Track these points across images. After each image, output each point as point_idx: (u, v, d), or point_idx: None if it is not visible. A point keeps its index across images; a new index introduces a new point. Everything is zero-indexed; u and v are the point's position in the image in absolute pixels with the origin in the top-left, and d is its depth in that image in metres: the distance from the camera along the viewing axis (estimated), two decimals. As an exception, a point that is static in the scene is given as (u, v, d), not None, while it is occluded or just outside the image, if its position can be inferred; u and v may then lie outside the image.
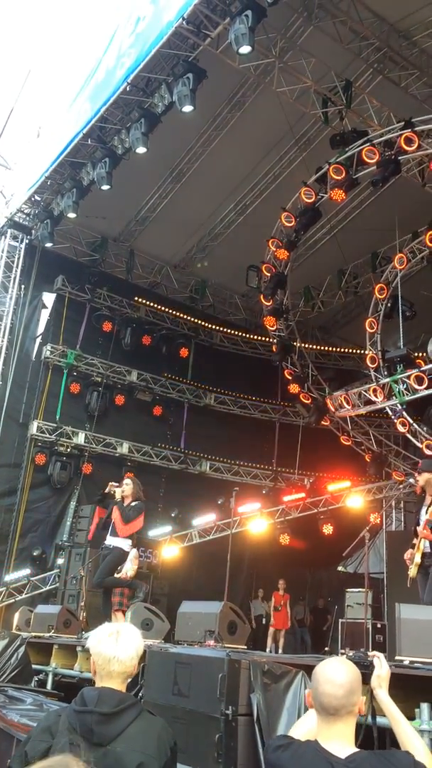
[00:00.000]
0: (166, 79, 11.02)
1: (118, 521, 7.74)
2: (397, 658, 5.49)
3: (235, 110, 13.22)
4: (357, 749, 2.13)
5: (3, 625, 12.00)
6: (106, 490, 8.11)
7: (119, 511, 7.77)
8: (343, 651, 10.57)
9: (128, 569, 7.68)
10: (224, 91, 12.73)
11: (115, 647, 2.47)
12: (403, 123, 10.87)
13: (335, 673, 2.19)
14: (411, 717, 4.30)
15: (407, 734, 2.35)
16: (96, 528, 8.67)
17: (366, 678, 2.44)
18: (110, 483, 8.22)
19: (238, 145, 13.79)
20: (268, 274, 14.02)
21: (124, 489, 7.94)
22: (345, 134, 11.71)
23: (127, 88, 11.41)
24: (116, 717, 2.35)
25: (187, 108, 10.61)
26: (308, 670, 3.96)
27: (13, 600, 13.62)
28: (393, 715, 2.43)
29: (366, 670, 2.44)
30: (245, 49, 9.68)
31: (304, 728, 2.39)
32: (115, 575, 7.63)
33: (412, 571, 6.81)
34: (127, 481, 8.11)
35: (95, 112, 12.21)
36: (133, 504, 7.90)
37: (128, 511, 7.81)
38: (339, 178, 11.65)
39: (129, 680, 2.60)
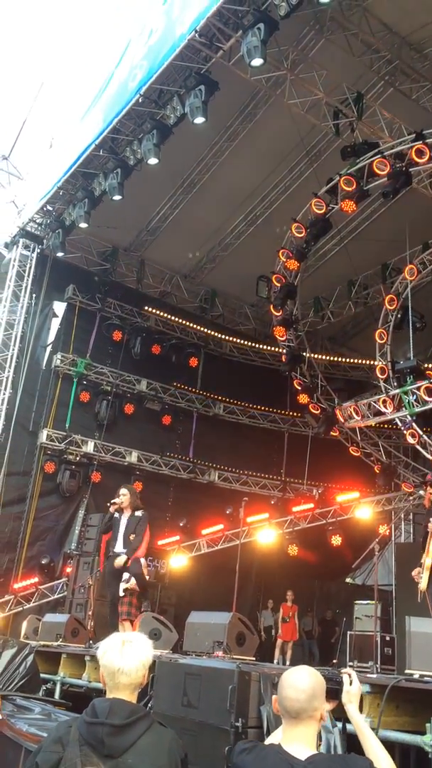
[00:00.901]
0: (178, 90, 11.11)
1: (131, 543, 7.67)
2: (406, 671, 5.45)
3: (246, 122, 13.30)
4: (317, 751, 2.24)
5: (11, 633, 11.98)
6: (111, 512, 7.92)
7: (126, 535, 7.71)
8: (351, 663, 10.51)
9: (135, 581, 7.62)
10: (236, 103, 12.81)
11: (121, 659, 2.46)
12: (414, 135, 10.89)
13: (298, 679, 2.33)
14: (421, 732, 4.26)
15: (374, 748, 2.46)
16: (104, 557, 8.54)
17: (337, 694, 2.54)
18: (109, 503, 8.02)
19: (249, 157, 13.86)
20: (278, 285, 14.05)
21: (122, 500, 7.80)
22: (356, 146, 11.75)
23: (140, 100, 11.51)
24: (127, 729, 2.34)
25: (199, 120, 10.68)
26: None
27: (21, 608, 13.62)
28: (362, 730, 2.52)
29: (337, 686, 2.51)
30: (257, 62, 9.75)
31: (280, 736, 2.48)
32: (123, 584, 7.56)
33: (424, 582, 6.77)
34: (123, 491, 7.88)
35: (108, 123, 12.31)
36: (137, 514, 7.79)
37: (135, 527, 7.66)
38: (350, 189, 11.69)
39: (139, 690, 2.59)
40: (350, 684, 2.58)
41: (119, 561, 7.49)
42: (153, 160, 11.60)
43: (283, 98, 11.62)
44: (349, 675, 2.60)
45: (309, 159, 13.70)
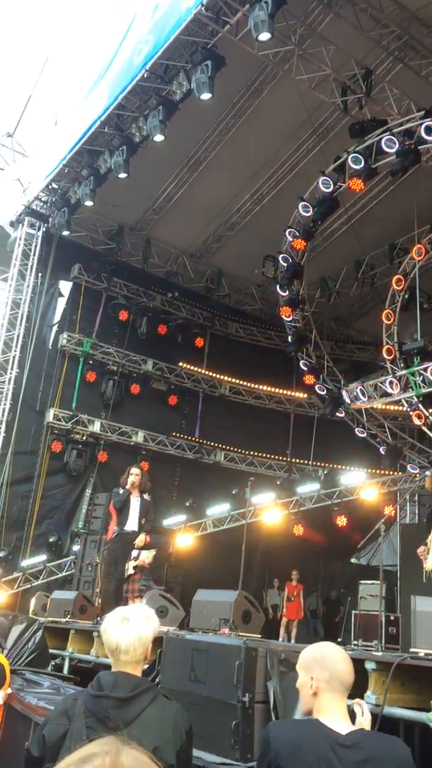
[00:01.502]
0: (184, 66, 10.97)
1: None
2: (411, 650, 5.49)
3: (253, 98, 13.13)
4: (355, 727, 2.22)
5: (19, 609, 12.12)
6: (128, 489, 8.12)
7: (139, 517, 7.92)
8: (355, 642, 10.59)
9: (145, 557, 7.81)
10: (242, 79, 12.64)
11: (119, 635, 2.47)
12: (423, 112, 10.72)
13: (341, 652, 2.35)
14: (425, 709, 4.30)
15: None
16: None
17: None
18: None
19: (255, 134, 13.70)
20: (285, 264, 13.95)
21: (134, 479, 7.99)
22: (364, 123, 11.56)
23: (145, 75, 11.38)
24: (132, 701, 2.36)
25: (206, 95, 10.56)
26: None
27: (30, 585, 13.76)
28: None
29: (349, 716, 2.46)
30: (265, 36, 9.61)
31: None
32: (133, 562, 7.77)
33: (430, 562, 6.80)
34: (136, 470, 8.14)
35: (113, 99, 12.18)
36: (146, 497, 8.07)
37: (147, 512, 7.97)
38: (357, 167, 11.53)
39: (146, 665, 2.61)
40: (362, 715, 2.52)
41: (140, 540, 7.71)
42: (159, 137, 11.48)
43: (290, 74, 11.44)
44: (361, 706, 2.55)
45: (316, 136, 13.52)
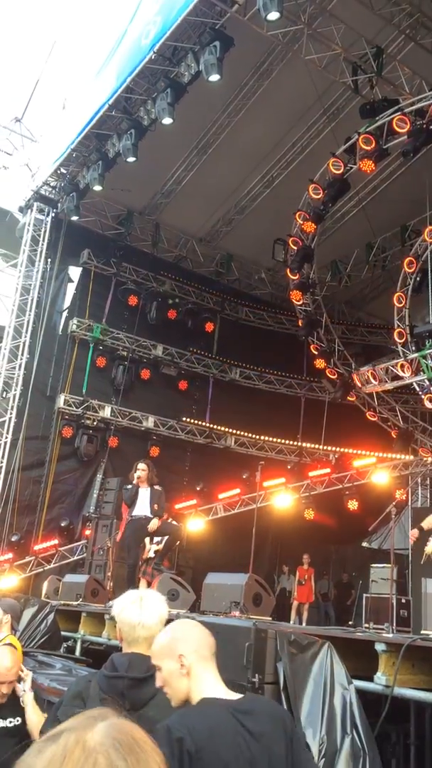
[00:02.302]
0: (192, 47, 10.86)
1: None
2: (422, 632, 5.51)
3: (262, 79, 12.98)
4: (239, 694, 2.14)
5: (32, 593, 12.23)
6: (135, 484, 8.16)
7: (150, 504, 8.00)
8: (367, 625, 10.63)
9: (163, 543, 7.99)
10: (251, 59, 12.50)
11: (140, 613, 2.51)
12: (435, 91, 10.59)
13: (190, 621, 2.35)
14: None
15: None
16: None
17: None
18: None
19: (264, 116, 13.57)
20: (295, 248, 13.85)
21: (141, 474, 8.02)
22: (375, 103, 11.41)
23: (153, 57, 11.27)
24: (147, 682, 2.38)
25: (214, 77, 10.46)
26: (334, 642, 3.98)
27: (42, 569, 13.88)
28: None
29: None
30: (273, 16, 9.49)
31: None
32: (155, 546, 7.94)
33: (430, 546, 6.82)
34: (142, 466, 8.15)
35: (121, 82, 12.10)
36: (157, 488, 8.13)
37: (159, 500, 8.03)
38: (368, 148, 11.39)
39: (156, 646, 2.63)
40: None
41: (152, 525, 7.84)
42: (167, 120, 11.38)
43: (300, 54, 11.30)
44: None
45: (327, 117, 13.37)
